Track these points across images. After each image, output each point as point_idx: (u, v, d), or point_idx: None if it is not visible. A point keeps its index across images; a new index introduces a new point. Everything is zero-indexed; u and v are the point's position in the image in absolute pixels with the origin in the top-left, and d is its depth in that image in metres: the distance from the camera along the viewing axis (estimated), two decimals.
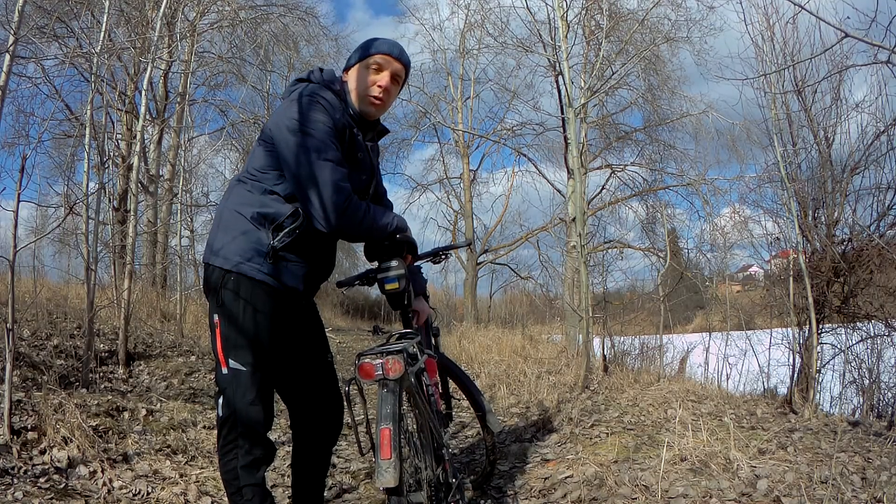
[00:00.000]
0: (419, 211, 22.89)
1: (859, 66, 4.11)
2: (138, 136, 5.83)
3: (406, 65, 1.95)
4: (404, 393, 1.79)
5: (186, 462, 2.92)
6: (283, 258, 1.80)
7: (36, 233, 8.47)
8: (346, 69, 1.96)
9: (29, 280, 7.03)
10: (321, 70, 1.93)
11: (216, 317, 1.80)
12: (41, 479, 2.33)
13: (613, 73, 8.47)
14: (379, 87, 1.89)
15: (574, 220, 7.61)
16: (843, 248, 4.53)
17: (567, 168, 10.14)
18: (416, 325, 2.15)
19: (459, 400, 2.98)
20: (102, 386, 3.98)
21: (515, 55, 11.52)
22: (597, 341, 5.47)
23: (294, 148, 1.73)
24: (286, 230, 1.78)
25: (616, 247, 11.85)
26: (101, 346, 4.89)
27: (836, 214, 4.56)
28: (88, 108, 4.12)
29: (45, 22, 6.35)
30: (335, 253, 2.04)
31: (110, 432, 2.96)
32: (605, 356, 5.17)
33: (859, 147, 4.52)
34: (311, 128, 1.73)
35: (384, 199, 2.18)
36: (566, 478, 2.68)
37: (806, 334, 4.36)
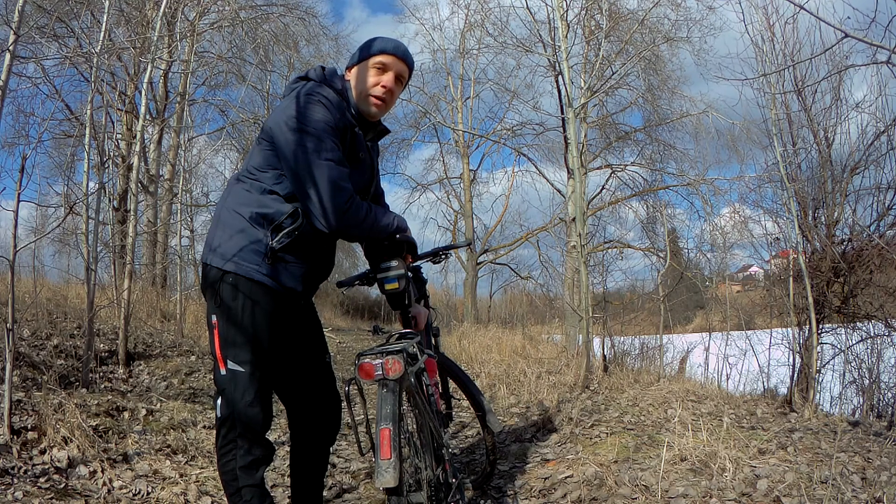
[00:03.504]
0: (419, 211, 23.05)
1: (859, 66, 4.12)
2: (138, 136, 5.84)
3: (410, 66, 1.94)
4: (404, 393, 1.79)
5: (186, 462, 2.92)
6: (281, 259, 1.79)
7: (36, 233, 8.45)
8: (349, 67, 1.94)
9: (29, 280, 7.03)
10: (322, 68, 1.92)
11: (214, 317, 1.80)
12: (41, 479, 2.33)
13: (613, 73, 8.48)
14: (382, 87, 1.87)
15: (574, 220, 7.61)
16: (843, 248, 4.53)
17: (567, 168, 10.14)
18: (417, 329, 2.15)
19: (459, 400, 2.97)
20: (102, 386, 3.98)
21: (515, 55, 11.51)
22: (597, 341, 5.47)
23: (294, 146, 1.72)
24: (285, 230, 1.77)
25: (616, 247, 11.86)
26: (101, 346, 4.89)
27: (836, 214, 4.56)
28: (88, 108, 4.13)
29: (45, 22, 6.35)
30: (334, 253, 2.03)
31: (110, 432, 2.96)
32: (605, 356, 5.17)
33: (859, 147, 4.53)
34: (310, 126, 1.72)
35: (382, 199, 2.17)
36: (566, 478, 2.68)
37: (806, 334, 4.36)
